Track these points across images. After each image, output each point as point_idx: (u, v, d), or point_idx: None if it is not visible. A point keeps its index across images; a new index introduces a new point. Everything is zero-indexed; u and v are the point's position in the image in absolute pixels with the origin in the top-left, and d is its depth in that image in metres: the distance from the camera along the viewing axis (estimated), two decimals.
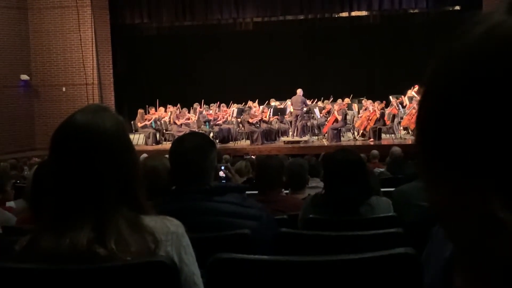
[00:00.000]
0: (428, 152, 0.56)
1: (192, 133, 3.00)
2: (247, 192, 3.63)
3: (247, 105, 18.71)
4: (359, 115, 17.56)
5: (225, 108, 18.88)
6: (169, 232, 1.68)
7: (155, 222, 1.68)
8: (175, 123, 17.45)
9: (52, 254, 1.58)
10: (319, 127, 17.81)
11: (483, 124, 0.50)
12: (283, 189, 4.77)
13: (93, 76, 18.06)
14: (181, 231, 1.71)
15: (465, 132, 0.52)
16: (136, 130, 17.55)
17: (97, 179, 1.62)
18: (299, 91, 17.47)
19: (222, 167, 2.70)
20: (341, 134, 17.12)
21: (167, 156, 2.96)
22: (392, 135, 16.92)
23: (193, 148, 2.58)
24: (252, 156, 12.80)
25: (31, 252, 1.62)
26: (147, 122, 17.79)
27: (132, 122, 17.48)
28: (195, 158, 2.55)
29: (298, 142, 16.81)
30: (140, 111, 18.02)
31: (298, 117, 17.47)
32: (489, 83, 0.50)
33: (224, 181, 2.83)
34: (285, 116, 18.22)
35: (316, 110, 17.96)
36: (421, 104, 0.57)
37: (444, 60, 0.55)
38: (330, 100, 18.83)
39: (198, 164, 2.56)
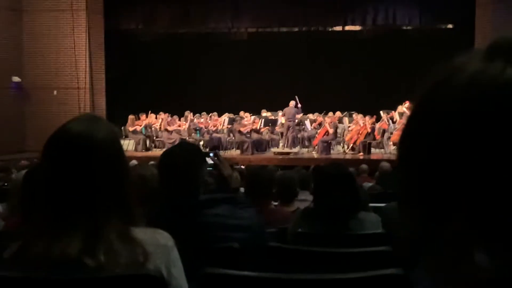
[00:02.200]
0: (411, 186, 0.59)
1: (182, 145, 2.97)
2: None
3: (238, 115, 18.73)
4: (350, 129, 17.62)
5: (216, 117, 18.88)
6: (159, 245, 1.67)
7: (145, 234, 1.67)
8: (166, 130, 17.42)
9: (42, 262, 1.57)
10: (310, 139, 17.85)
11: (469, 162, 0.53)
12: (272, 201, 4.77)
13: (85, 80, 18.02)
14: (171, 244, 1.71)
15: (451, 170, 0.54)
16: (126, 136, 17.49)
17: (89, 189, 1.62)
18: (292, 103, 17.52)
19: (211, 154, 2.67)
20: (331, 147, 17.15)
21: (153, 162, 2.95)
22: (382, 150, 16.97)
23: (184, 162, 2.56)
24: (242, 166, 12.77)
25: (20, 260, 1.61)
26: (137, 127, 17.73)
27: (122, 128, 17.43)
28: (185, 172, 2.53)
29: (288, 153, 16.81)
30: (131, 117, 17.97)
31: (290, 128, 17.51)
32: (476, 128, 0.52)
33: (212, 168, 2.79)
34: (276, 127, 18.25)
35: (307, 122, 18.02)
36: (406, 144, 0.60)
37: (431, 107, 0.57)
38: (322, 113, 18.90)
39: (188, 178, 2.53)
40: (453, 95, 0.55)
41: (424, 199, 0.57)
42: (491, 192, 0.51)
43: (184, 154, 2.62)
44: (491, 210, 0.52)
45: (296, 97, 17.71)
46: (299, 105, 17.89)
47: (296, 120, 17.78)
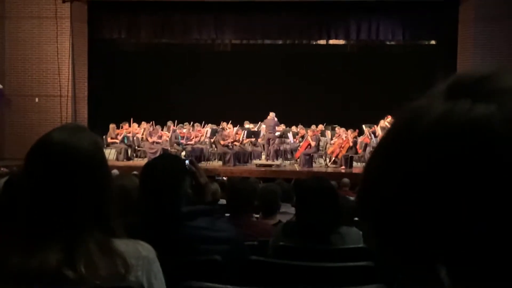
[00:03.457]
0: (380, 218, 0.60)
1: (165, 158, 2.95)
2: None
3: (221, 126, 18.73)
4: (332, 142, 17.68)
5: (199, 128, 18.84)
6: (140, 256, 1.66)
7: (127, 246, 1.66)
8: (147, 140, 17.35)
9: (20, 273, 1.55)
10: (292, 151, 17.89)
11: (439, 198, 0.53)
12: (253, 214, 4.76)
13: (68, 88, 17.89)
14: (152, 256, 1.69)
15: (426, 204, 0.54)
16: (108, 145, 17.39)
17: (70, 199, 1.60)
18: (272, 114, 17.56)
19: (187, 162, 2.65)
20: (313, 160, 17.20)
21: (135, 172, 2.92)
22: (363, 163, 16.99)
23: (166, 173, 2.54)
24: (224, 178, 12.76)
25: None
26: (117, 139, 17.63)
27: (104, 137, 17.33)
28: (167, 184, 2.51)
29: (270, 165, 16.83)
30: (112, 125, 17.87)
31: (270, 140, 17.53)
32: (446, 169, 0.53)
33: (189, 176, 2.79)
34: (259, 139, 18.27)
35: (290, 135, 18.07)
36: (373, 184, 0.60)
37: (397, 152, 0.58)
38: (305, 127, 18.99)
39: (170, 190, 2.52)
40: (420, 139, 0.55)
41: (387, 230, 0.59)
42: (460, 227, 0.52)
43: (166, 165, 2.60)
44: (457, 248, 0.53)
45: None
46: (277, 122, 18.02)
47: (278, 133, 17.83)
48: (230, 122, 18.99)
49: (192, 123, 19.14)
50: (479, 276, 0.53)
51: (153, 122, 18.43)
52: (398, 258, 0.58)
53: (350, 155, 16.57)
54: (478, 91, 0.54)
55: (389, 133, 0.60)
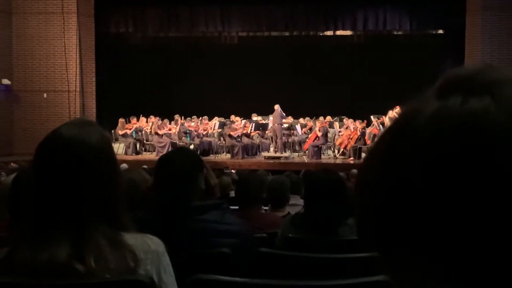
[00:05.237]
0: (370, 222, 0.60)
1: (180, 152, 2.94)
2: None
3: (229, 119, 18.73)
4: (340, 134, 17.65)
5: (206, 121, 18.87)
6: (150, 250, 1.67)
7: (136, 240, 1.66)
8: (156, 133, 17.39)
9: (30, 268, 1.56)
10: (300, 143, 17.88)
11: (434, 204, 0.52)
12: (263, 206, 4.77)
13: (75, 83, 17.93)
14: (162, 250, 1.70)
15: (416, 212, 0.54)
16: (117, 139, 17.46)
17: (79, 194, 1.61)
18: (277, 107, 17.52)
19: None
20: (322, 152, 17.18)
21: (145, 166, 2.93)
22: None
23: (182, 169, 2.55)
24: (232, 171, 12.77)
25: (8, 265, 1.60)
26: (127, 131, 17.70)
27: (112, 131, 17.39)
28: (182, 179, 2.52)
29: (278, 158, 16.82)
30: (121, 120, 17.94)
31: (277, 132, 17.53)
32: (442, 166, 0.52)
33: None
34: (267, 132, 18.26)
35: (298, 127, 18.05)
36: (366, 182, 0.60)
37: (393, 155, 0.57)
38: (313, 118, 18.96)
39: (184, 186, 2.53)
40: (415, 140, 0.54)
41: (380, 237, 0.58)
42: (457, 235, 0.51)
43: (183, 159, 2.61)
44: (449, 251, 0.52)
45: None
46: (283, 114, 17.99)
47: (286, 125, 17.81)
48: (239, 115, 18.99)
49: (200, 116, 19.18)
50: (482, 277, 0.51)
51: (161, 116, 18.43)
52: (392, 262, 0.58)
53: (358, 146, 16.54)
54: (469, 87, 0.54)
55: (383, 139, 0.59)
